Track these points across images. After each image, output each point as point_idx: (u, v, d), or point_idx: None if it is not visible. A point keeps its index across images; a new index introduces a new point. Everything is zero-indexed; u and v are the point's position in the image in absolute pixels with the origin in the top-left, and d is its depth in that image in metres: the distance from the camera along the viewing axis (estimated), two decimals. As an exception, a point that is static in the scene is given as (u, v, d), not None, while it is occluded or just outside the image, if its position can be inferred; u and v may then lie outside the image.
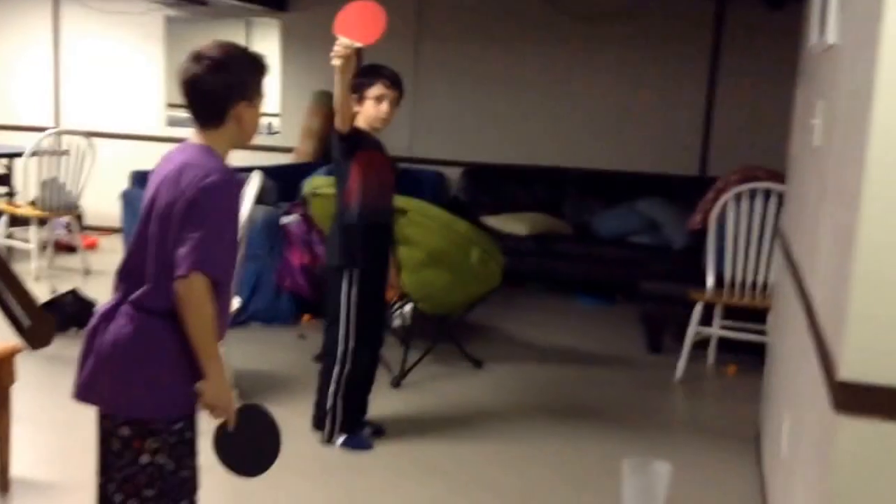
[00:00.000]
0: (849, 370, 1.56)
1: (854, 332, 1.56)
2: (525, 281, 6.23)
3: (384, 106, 3.23)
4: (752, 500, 3.11)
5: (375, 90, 3.23)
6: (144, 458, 1.97)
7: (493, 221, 6.08)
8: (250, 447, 2.07)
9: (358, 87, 3.20)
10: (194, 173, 1.92)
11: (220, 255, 1.93)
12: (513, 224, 6.06)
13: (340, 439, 3.40)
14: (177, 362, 1.97)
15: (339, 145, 3.22)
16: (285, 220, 5.05)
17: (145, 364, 1.95)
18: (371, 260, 3.34)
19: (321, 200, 4.33)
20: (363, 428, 3.49)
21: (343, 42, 3.01)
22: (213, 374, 1.95)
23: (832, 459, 1.59)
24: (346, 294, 3.29)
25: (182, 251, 1.88)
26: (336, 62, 3.02)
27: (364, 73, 3.28)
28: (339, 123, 3.15)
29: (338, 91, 3.06)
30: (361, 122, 3.24)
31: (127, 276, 2.00)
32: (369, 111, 3.23)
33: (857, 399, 1.55)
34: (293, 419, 3.67)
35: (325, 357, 3.44)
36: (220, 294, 1.98)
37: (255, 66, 2.02)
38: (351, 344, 3.33)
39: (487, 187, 6.60)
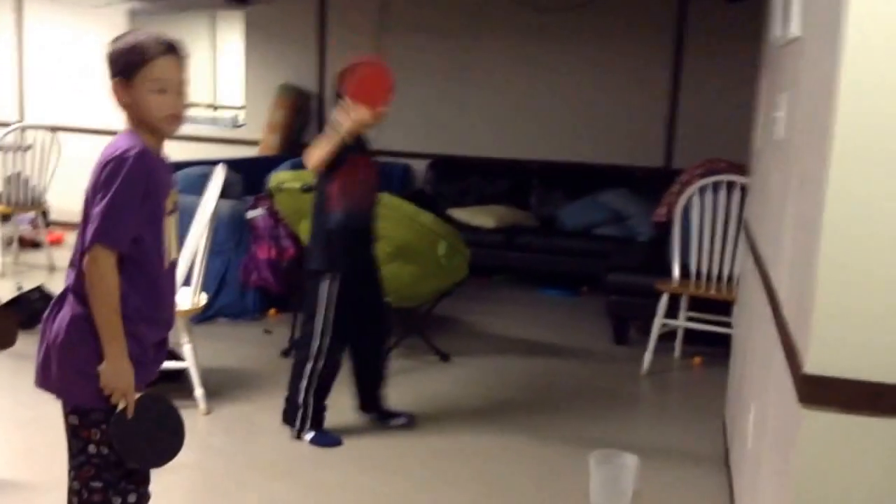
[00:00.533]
0: (813, 364, 1.57)
1: (819, 325, 1.56)
2: (491, 273, 6.24)
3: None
4: (720, 491, 3.14)
5: None
6: (91, 448, 1.96)
7: (459, 214, 6.07)
8: (149, 436, 1.99)
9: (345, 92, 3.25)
10: (106, 151, 1.93)
11: (121, 230, 1.89)
12: (479, 216, 6.06)
13: (309, 435, 3.38)
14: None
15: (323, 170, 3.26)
16: (251, 214, 4.99)
17: (80, 351, 1.93)
18: (353, 262, 3.37)
19: (287, 195, 4.28)
20: (392, 417, 3.58)
21: (361, 117, 3.17)
22: (113, 354, 1.90)
23: (797, 451, 1.59)
24: (326, 294, 3.31)
25: (90, 228, 1.89)
26: (347, 129, 3.14)
27: (345, 77, 3.31)
28: (320, 166, 3.20)
29: (332, 147, 3.17)
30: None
31: (71, 263, 2.00)
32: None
33: (821, 392, 1.56)
34: (260, 415, 3.63)
35: (299, 351, 3.42)
36: (148, 278, 1.96)
37: (138, 47, 1.93)
38: (326, 341, 3.33)
39: (453, 180, 6.59)
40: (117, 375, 1.91)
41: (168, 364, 3.75)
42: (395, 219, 4.14)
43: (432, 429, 3.63)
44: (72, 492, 2.01)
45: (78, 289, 1.94)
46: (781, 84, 2.62)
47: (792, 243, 2.00)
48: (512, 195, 6.43)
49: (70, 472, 2.02)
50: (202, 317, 4.73)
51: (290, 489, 3.03)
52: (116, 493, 1.99)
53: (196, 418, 3.54)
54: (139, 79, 1.92)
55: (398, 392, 4.02)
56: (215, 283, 4.87)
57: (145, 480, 2.08)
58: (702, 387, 4.30)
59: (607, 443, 3.30)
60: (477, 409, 3.86)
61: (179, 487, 2.98)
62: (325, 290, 3.31)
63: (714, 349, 4.51)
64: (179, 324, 3.63)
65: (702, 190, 4.41)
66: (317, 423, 3.39)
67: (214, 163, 4.18)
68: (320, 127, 7.08)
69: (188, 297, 3.66)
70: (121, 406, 1.93)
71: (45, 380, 1.99)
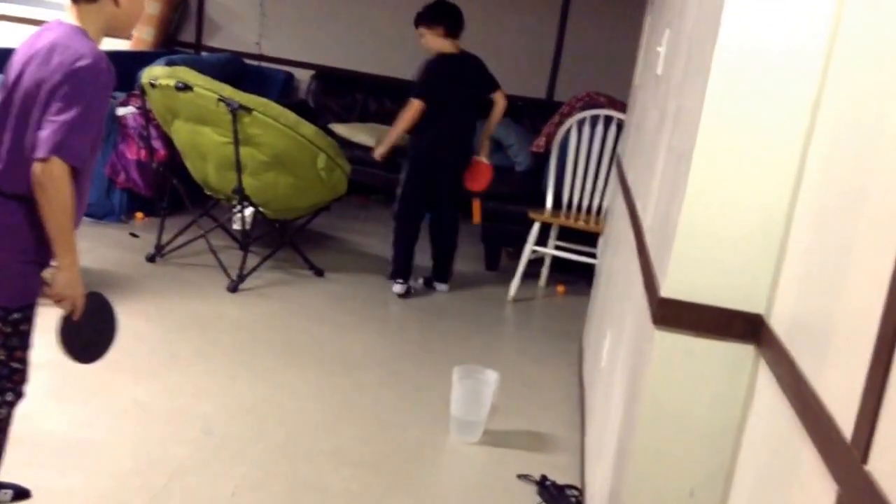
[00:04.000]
0: (669, 288, 1.66)
1: (678, 252, 1.65)
2: (370, 193, 6.20)
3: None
4: (572, 405, 3.31)
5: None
6: None
7: (341, 129, 5.96)
8: (92, 335, 2.06)
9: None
10: (65, 55, 1.83)
11: (81, 144, 1.85)
12: (361, 134, 5.96)
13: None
14: (25, 250, 1.89)
15: None
16: (121, 111, 4.71)
17: None
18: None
19: (160, 92, 4.06)
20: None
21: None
22: (67, 264, 1.90)
23: (649, 370, 1.70)
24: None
25: (44, 133, 1.81)
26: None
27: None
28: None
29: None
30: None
31: None
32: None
33: (674, 315, 1.66)
34: (122, 319, 3.51)
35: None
36: (80, 183, 1.90)
37: None
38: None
39: (338, 94, 6.43)
40: (71, 285, 1.92)
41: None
42: (274, 127, 4.01)
43: (300, 340, 3.63)
44: None
45: (13, 187, 1.85)
46: (666, 20, 2.69)
47: (661, 176, 2.09)
48: (396, 115, 6.34)
49: None
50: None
51: (150, 392, 2.97)
52: None
53: (54, 316, 3.38)
54: None
55: (270, 303, 3.98)
56: (78, 180, 4.60)
57: (23, 381, 2.04)
58: (563, 313, 4.48)
59: (471, 360, 3.41)
60: (346, 324, 3.88)
61: (41, 387, 2.86)
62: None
63: (578, 279, 4.70)
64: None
65: (580, 123, 4.51)
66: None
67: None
68: (199, 24, 6.72)
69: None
70: (66, 311, 1.96)
71: None
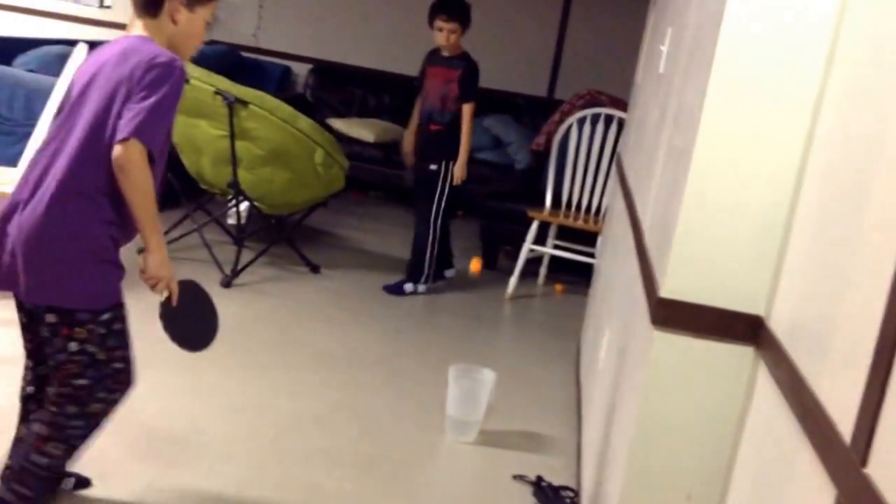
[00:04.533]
0: (668, 289, 1.64)
1: (677, 252, 1.63)
2: (367, 189, 6.17)
3: (443, 34, 4.11)
4: (569, 406, 3.29)
5: (436, 24, 4.11)
6: (73, 346, 1.93)
7: (339, 125, 5.94)
8: (193, 321, 2.11)
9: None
10: (142, 54, 1.93)
11: (158, 130, 1.92)
12: (359, 129, 5.94)
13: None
14: (94, 250, 1.93)
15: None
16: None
17: (68, 252, 1.91)
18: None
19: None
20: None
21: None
22: (156, 245, 1.96)
23: (648, 371, 1.68)
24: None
25: (124, 119, 1.88)
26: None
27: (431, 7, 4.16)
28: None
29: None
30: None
31: (47, 163, 1.94)
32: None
33: (673, 315, 1.64)
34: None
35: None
36: (154, 174, 1.97)
37: None
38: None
39: (336, 88, 6.41)
40: (162, 266, 1.97)
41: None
42: (271, 121, 3.99)
43: (294, 338, 3.60)
44: (49, 394, 1.99)
45: (71, 183, 1.90)
46: (669, 19, 2.66)
47: (661, 175, 2.06)
48: (395, 111, 6.33)
49: (36, 367, 2.05)
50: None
51: (139, 389, 2.93)
52: (103, 389, 1.98)
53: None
54: (202, 10, 2.05)
55: (264, 300, 3.96)
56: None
57: (130, 381, 2.07)
58: (561, 312, 4.46)
59: (467, 359, 3.38)
60: (342, 321, 3.86)
61: (16, 380, 2.84)
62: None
63: (576, 278, 4.68)
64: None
65: (580, 122, 4.49)
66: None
67: (76, 42, 3.87)
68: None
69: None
70: (164, 295, 2.02)
71: (6, 281, 1.94)
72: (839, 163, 1.34)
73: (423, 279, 4.33)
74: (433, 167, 4.21)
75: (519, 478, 2.71)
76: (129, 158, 1.87)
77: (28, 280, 1.91)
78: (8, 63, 4.90)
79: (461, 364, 3.04)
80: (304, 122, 4.10)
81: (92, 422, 2.02)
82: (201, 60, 4.50)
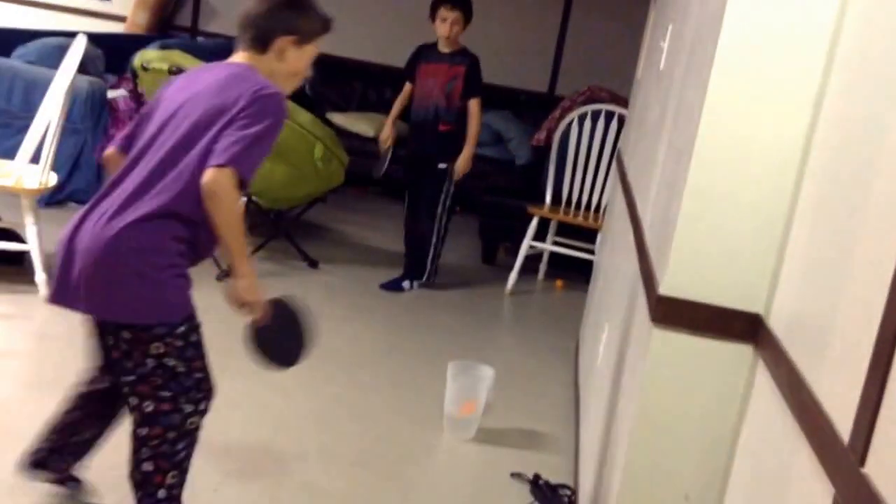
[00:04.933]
0: (668, 286, 1.63)
1: (677, 249, 1.62)
2: (367, 184, 6.16)
3: (446, 25, 4.08)
4: (567, 403, 3.28)
5: (439, 14, 4.09)
6: (151, 361, 1.92)
7: (339, 119, 5.93)
8: (280, 340, 2.09)
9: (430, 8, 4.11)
10: (249, 83, 1.94)
11: (254, 161, 1.91)
12: (360, 124, 5.93)
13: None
14: (173, 265, 1.92)
15: None
16: (112, 94, 4.67)
17: (143, 268, 1.89)
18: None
19: (152, 76, 4.02)
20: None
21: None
22: (244, 271, 1.96)
23: (646, 368, 1.67)
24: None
25: (222, 144, 1.87)
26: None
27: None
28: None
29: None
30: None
31: (123, 181, 1.95)
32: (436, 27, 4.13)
33: (673, 313, 1.62)
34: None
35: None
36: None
37: (327, 22, 2.17)
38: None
39: (337, 82, 6.39)
40: (251, 290, 1.97)
41: (8, 245, 3.53)
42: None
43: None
44: (132, 407, 1.97)
45: (160, 206, 1.88)
46: (670, 16, 2.65)
47: (661, 173, 2.05)
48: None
49: (116, 383, 2.02)
50: (51, 199, 4.45)
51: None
52: (188, 400, 1.98)
53: (35, 305, 3.35)
54: (310, 47, 2.09)
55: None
56: (68, 164, 4.56)
57: (211, 391, 2.05)
58: (560, 309, 4.45)
59: (466, 355, 3.37)
60: (340, 316, 3.85)
61: (13, 374, 2.83)
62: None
63: (575, 274, 4.67)
64: (24, 203, 3.40)
65: (581, 118, 4.47)
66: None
67: (75, 34, 3.85)
68: (196, 8, 6.67)
69: (35, 177, 3.42)
70: (253, 318, 2.02)
71: (73, 298, 1.92)
72: (839, 161, 1.33)
73: (425, 277, 4.31)
74: (443, 166, 4.19)
75: (517, 476, 2.71)
76: (222, 184, 1.85)
77: (101, 298, 1.89)
78: (6, 55, 4.89)
79: (460, 360, 3.04)
80: (304, 116, 4.09)
81: (191, 439, 2.02)
82: (200, 53, 4.49)
